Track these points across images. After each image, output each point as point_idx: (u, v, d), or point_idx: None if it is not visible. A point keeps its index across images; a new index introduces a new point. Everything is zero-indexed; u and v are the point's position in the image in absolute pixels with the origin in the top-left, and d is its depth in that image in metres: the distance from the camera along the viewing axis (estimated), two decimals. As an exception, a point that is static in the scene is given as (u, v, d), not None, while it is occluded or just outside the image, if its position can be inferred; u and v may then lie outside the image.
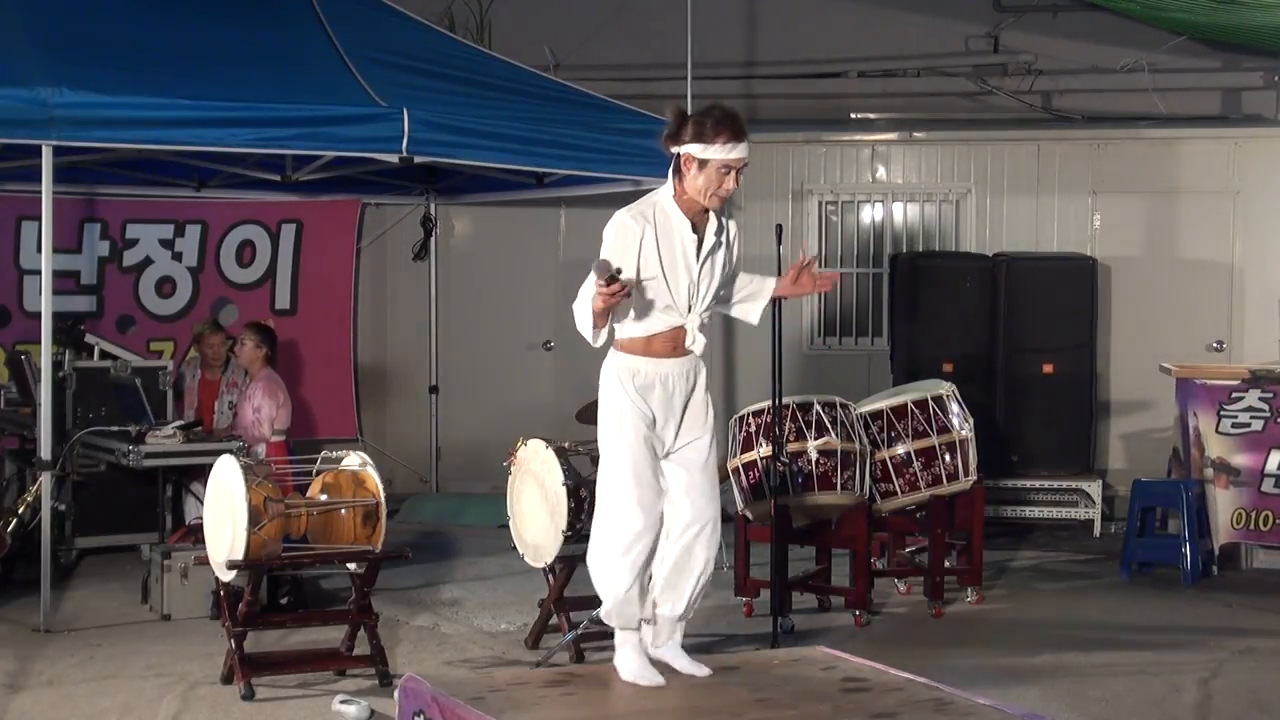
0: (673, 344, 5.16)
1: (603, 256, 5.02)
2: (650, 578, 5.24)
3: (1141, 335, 11.11)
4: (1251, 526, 8.75)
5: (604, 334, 5.10)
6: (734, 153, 5.07)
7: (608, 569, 5.17)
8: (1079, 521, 10.60)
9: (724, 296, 5.42)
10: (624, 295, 4.93)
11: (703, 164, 5.07)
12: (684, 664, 5.26)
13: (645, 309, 5.11)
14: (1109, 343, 11.19)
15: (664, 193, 5.17)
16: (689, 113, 5.20)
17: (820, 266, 11.62)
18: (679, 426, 5.20)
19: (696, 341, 5.18)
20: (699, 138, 5.06)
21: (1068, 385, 10.68)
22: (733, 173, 5.09)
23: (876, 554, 8.28)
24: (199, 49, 8.35)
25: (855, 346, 11.77)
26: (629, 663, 5.20)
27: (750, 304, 5.54)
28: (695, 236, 5.14)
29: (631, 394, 5.12)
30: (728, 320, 10.39)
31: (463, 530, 10.43)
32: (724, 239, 5.23)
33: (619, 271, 4.91)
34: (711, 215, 5.19)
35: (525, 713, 4.74)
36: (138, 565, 8.17)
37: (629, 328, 5.15)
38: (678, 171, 5.13)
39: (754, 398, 7.80)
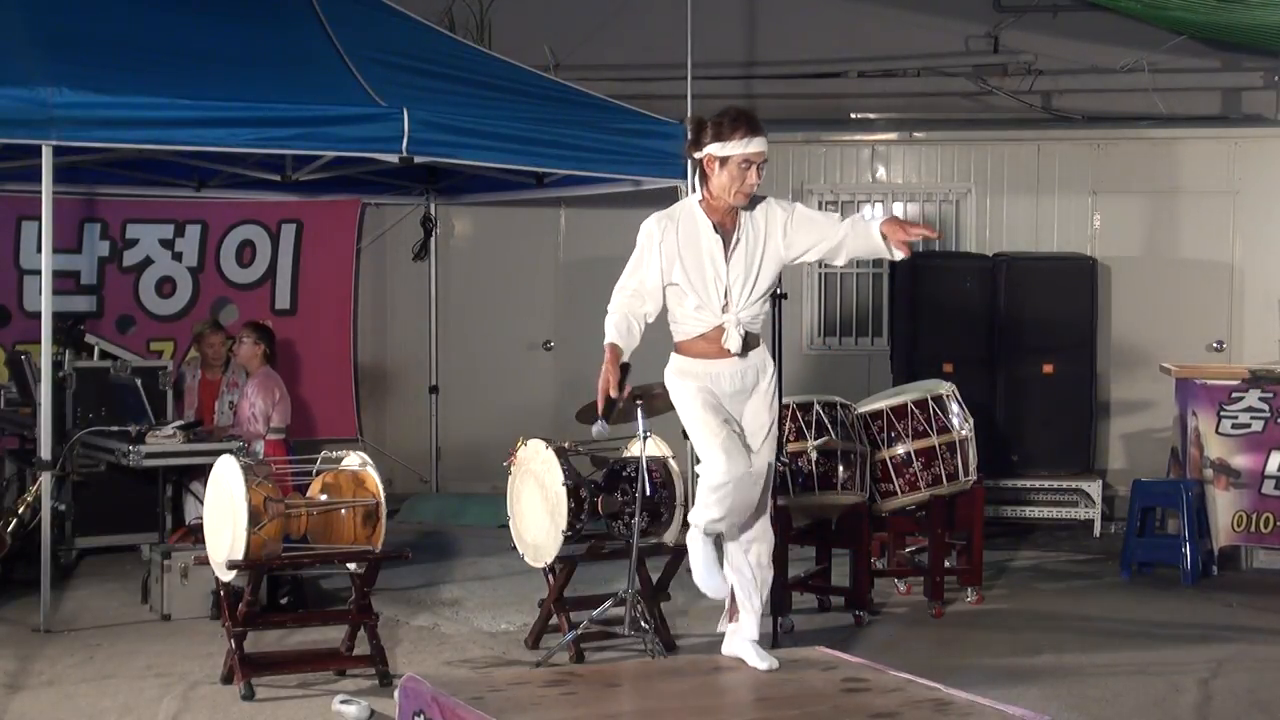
0: (718, 345, 5.29)
1: (631, 266, 5.32)
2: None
3: (1141, 335, 11.11)
4: (1252, 529, 8.74)
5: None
6: (751, 147, 5.22)
7: (701, 504, 5.31)
8: (1079, 521, 10.60)
9: (830, 253, 5.43)
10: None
11: (723, 162, 5.23)
12: (751, 656, 5.36)
13: (680, 312, 5.30)
14: (1109, 343, 11.19)
15: (692, 198, 5.40)
16: (705, 118, 5.38)
17: (820, 266, 11.65)
18: (740, 421, 5.33)
19: (731, 339, 5.25)
20: (717, 137, 5.25)
21: (1068, 385, 10.68)
22: (753, 167, 5.24)
23: (876, 554, 8.28)
24: (199, 49, 8.34)
25: (855, 346, 11.76)
26: (696, 554, 5.33)
27: (865, 240, 5.44)
28: (719, 237, 5.27)
29: (691, 379, 5.30)
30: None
31: (463, 530, 10.43)
32: (756, 234, 5.31)
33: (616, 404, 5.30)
34: (742, 216, 5.32)
35: (525, 713, 4.74)
36: (138, 565, 8.17)
37: (680, 330, 5.35)
38: (703, 177, 5.31)
39: (754, 398, 7.78)
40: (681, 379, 5.35)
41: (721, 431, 5.24)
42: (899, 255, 5.43)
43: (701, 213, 5.32)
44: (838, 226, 5.43)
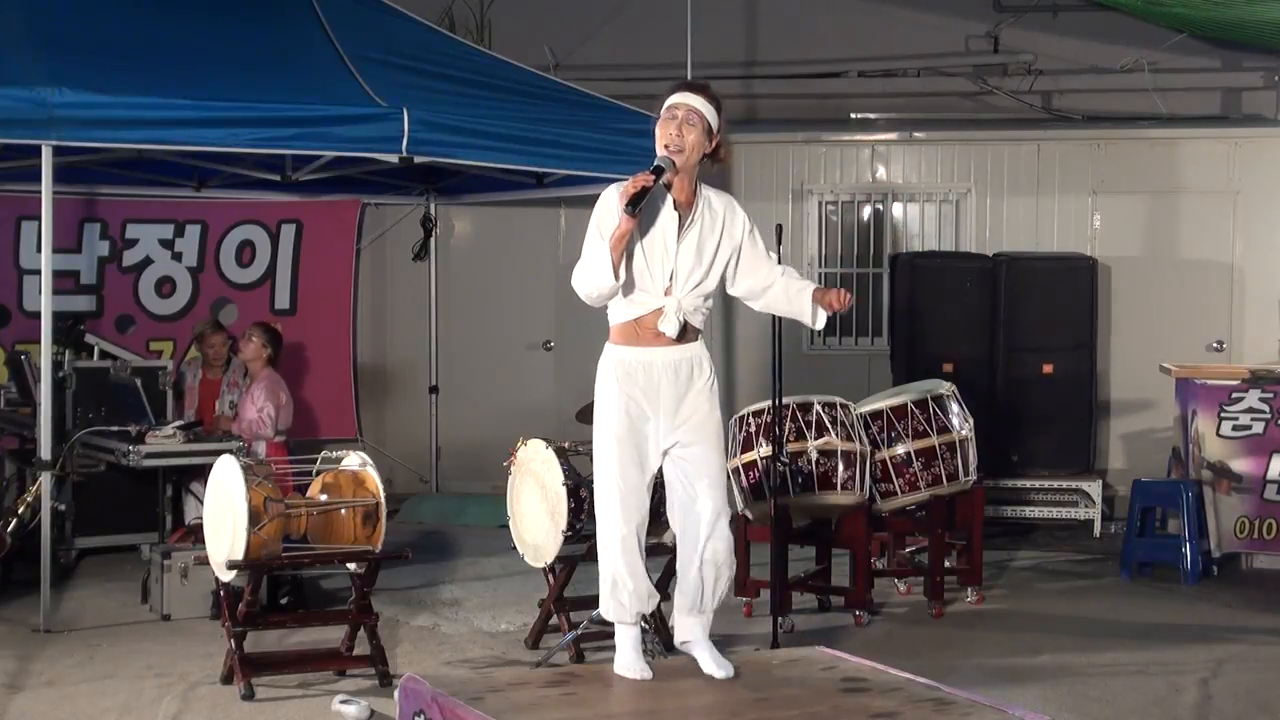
0: (653, 330, 5.11)
1: (591, 236, 5.08)
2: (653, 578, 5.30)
3: (1141, 335, 11.11)
4: (1255, 535, 8.72)
5: (623, 273, 5.00)
6: (671, 98, 5.13)
7: (602, 562, 5.24)
8: (1079, 521, 10.60)
9: (755, 293, 5.32)
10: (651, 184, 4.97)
11: (659, 122, 5.15)
12: (706, 661, 5.23)
13: (627, 285, 5.08)
14: (1109, 343, 11.19)
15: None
16: None
17: (820, 266, 11.68)
18: (676, 424, 5.14)
19: (667, 322, 5.07)
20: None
21: (1068, 385, 10.68)
22: (678, 121, 5.09)
23: (876, 554, 8.28)
24: (199, 49, 8.35)
25: (855, 346, 11.77)
26: (622, 656, 5.26)
27: (793, 300, 5.31)
28: (676, 215, 5.11)
29: (616, 384, 5.11)
30: (727, 320, 10.32)
31: (463, 530, 10.43)
32: (714, 222, 5.17)
33: (662, 167, 5.02)
34: (700, 201, 5.16)
35: (525, 713, 4.74)
36: (138, 565, 8.17)
37: (617, 312, 5.15)
38: None
39: (754, 398, 7.80)
40: (609, 385, 5.13)
41: (630, 480, 5.09)
42: (820, 323, 5.32)
43: (662, 189, 5.13)
44: (773, 270, 5.31)
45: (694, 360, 5.18)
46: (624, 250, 5.00)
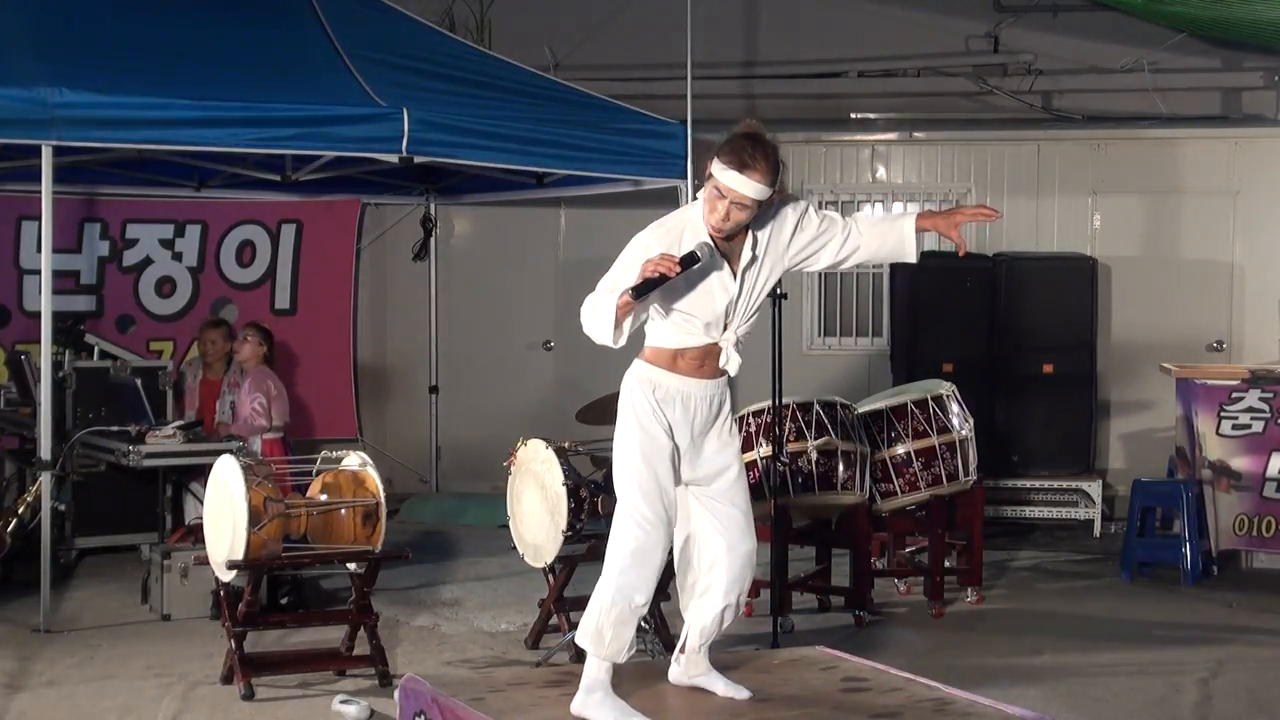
0: (700, 363, 4.77)
1: (616, 271, 4.67)
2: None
3: (1141, 335, 11.11)
4: (1254, 533, 8.72)
5: (625, 333, 4.62)
6: (726, 178, 4.57)
7: (604, 584, 4.76)
8: (1079, 521, 10.60)
9: (844, 260, 4.92)
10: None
11: (708, 179, 4.65)
12: (723, 687, 4.98)
13: (679, 325, 4.73)
14: (1109, 343, 11.19)
15: (694, 209, 4.76)
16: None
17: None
18: (700, 453, 4.84)
19: (731, 362, 4.81)
20: (718, 153, 4.63)
21: (1068, 385, 10.68)
22: (727, 203, 4.59)
23: (876, 554, 8.28)
24: (199, 49, 8.35)
25: (855, 346, 11.77)
26: (606, 712, 4.69)
27: (897, 245, 4.93)
28: (724, 258, 4.72)
29: (650, 400, 4.72)
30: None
31: (463, 530, 10.44)
32: (764, 240, 4.78)
33: (696, 256, 4.55)
34: (749, 230, 4.75)
35: (525, 713, 4.73)
36: (138, 565, 8.17)
37: (660, 337, 4.77)
38: None
39: (754, 398, 7.79)
40: (641, 402, 4.72)
41: (652, 499, 4.68)
42: (912, 257, 4.95)
43: (705, 227, 4.69)
44: (847, 233, 4.88)
45: (723, 389, 4.90)
46: (631, 317, 4.60)
